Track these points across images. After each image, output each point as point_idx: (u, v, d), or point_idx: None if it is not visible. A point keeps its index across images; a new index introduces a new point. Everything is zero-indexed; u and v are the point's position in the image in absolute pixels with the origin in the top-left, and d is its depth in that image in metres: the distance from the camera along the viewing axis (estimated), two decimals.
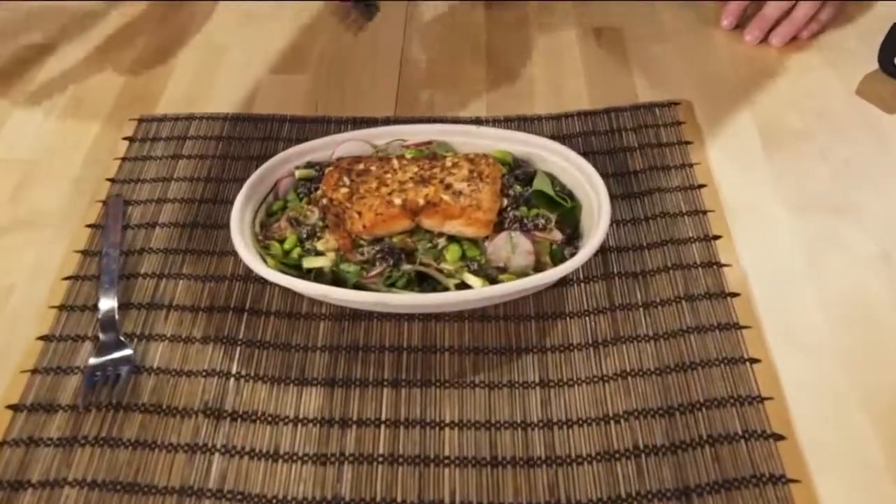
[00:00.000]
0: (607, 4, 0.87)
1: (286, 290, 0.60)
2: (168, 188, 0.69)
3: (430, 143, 0.66)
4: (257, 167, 0.64)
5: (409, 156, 0.63)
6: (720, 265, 0.60)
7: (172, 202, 0.68)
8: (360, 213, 0.58)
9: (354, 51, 0.84)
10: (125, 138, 0.74)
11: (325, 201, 0.60)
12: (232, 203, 0.60)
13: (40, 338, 0.58)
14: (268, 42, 0.85)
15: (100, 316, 0.58)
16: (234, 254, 0.61)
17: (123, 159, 0.72)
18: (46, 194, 0.69)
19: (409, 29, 0.86)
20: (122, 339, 0.57)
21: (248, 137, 0.73)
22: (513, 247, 0.57)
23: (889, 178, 0.66)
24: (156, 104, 0.78)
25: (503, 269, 0.57)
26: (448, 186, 0.58)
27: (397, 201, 0.57)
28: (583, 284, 0.60)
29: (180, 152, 0.72)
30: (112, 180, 0.70)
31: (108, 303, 0.59)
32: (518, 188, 0.61)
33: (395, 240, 0.58)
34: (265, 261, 0.58)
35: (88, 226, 0.66)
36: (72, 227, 0.66)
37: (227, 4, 0.91)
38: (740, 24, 0.83)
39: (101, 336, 0.57)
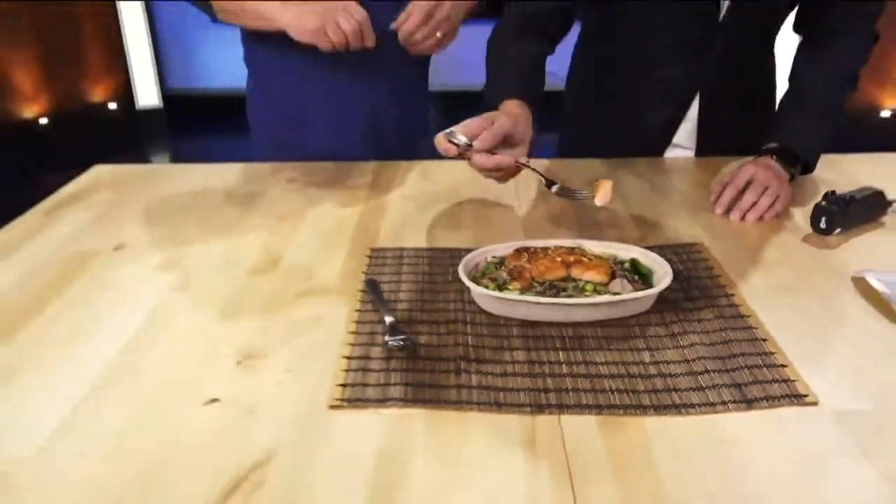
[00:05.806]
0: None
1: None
2: (400, 279, 1.15)
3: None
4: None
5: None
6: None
7: (405, 282, 1.13)
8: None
9: (495, 202, 1.35)
10: (367, 256, 1.21)
11: (512, 265, 1.06)
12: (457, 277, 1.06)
13: (346, 357, 0.99)
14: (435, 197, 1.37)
15: (387, 322, 1.00)
16: (450, 294, 1.05)
17: (369, 265, 1.18)
18: (323, 285, 1.14)
19: (520, 194, 1.38)
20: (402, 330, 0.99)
21: (437, 259, 1.21)
22: (622, 287, 1.02)
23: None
24: (377, 238, 1.27)
25: None
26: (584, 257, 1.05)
27: (558, 259, 1.04)
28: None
29: (400, 266, 1.19)
30: (365, 273, 1.16)
31: (389, 318, 1.01)
32: (623, 263, 1.08)
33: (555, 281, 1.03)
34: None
35: (359, 290, 1.10)
36: (348, 295, 1.10)
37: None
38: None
39: (389, 332, 0.99)
